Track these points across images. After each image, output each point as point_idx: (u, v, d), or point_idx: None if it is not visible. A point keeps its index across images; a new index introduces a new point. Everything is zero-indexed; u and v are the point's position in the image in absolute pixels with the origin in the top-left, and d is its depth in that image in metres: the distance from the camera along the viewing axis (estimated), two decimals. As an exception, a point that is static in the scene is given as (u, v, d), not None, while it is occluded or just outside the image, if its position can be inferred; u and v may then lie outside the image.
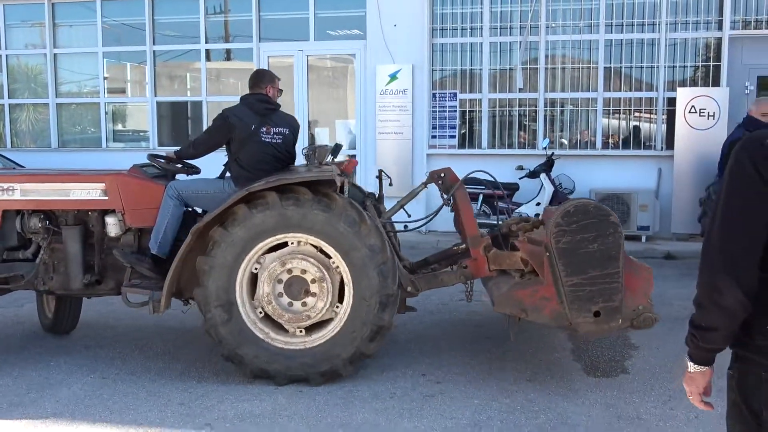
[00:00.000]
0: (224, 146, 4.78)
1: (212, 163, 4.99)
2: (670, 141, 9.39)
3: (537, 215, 7.78)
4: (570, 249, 3.91)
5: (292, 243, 4.36)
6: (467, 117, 10.19)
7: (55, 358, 4.97)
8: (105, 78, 11.39)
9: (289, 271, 4.35)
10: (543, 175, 8.99)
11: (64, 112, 11.69)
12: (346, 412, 3.97)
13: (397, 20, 9.92)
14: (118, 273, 4.74)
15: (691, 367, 1.91)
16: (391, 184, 5.35)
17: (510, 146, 10.01)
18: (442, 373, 4.57)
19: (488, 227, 4.98)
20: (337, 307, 4.39)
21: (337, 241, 4.28)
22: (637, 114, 9.83)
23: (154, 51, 11.01)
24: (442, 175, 4.96)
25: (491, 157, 9.61)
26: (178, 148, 5.06)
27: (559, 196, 8.87)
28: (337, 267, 4.35)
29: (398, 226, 5.22)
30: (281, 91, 5.03)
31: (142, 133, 11.47)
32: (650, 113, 9.73)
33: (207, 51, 10.93)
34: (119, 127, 11.87)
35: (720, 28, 9.31)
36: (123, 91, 11.92)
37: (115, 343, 5.33)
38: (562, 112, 9.98)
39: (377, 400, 4.14)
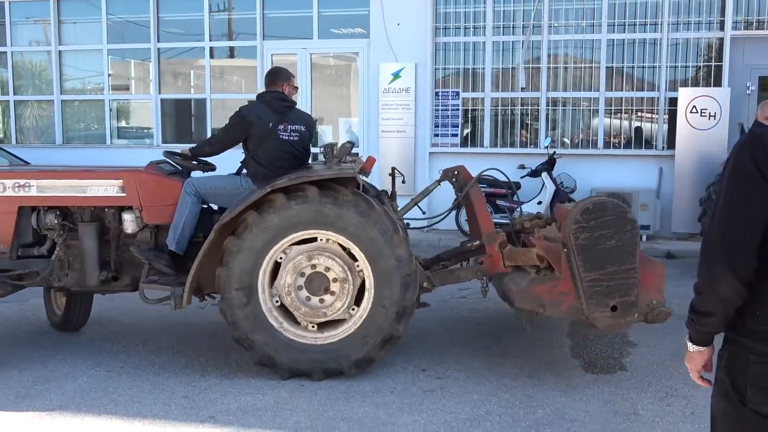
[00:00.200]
0: (241, 144, 4.80)
1: (223, 161, 5.02)
2: (671, 141, 9.42)
3: (538, 213, 7.83)
4: (589, 245, 4.01)
5: (321, 239, 4.40)
6: (470, 116, 10.24)
7: (61, 351, 5.03)
8: (109, 75, 11.45)
9: (313, 266, 4.38)
10: (544, 174, 9.04)
11: (68, 109, 11.76)
12: (347, 406, 4.03)
13: (401, 19, 9.97)
14: (134, 269, 4.76)
15: (691, 347, 2.04)
16: (404, 182, 5.39)
17: (512, 145, 10.06)
18: (442, 369, 4.63)
19: (497, 225, 5.04)
20: (353, 309, 4.43)
21: (367, 247, 4.33)
22: (638, 114, 9.87)
23: (158, 48, 11.07)
24: (456, 173, 5.04)
25: (493, 155, 9.66)
26: (192, 145, 5.09)
27: (560, 195, 8.92)
28: (361, 271, 4.40)
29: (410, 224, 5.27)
30: (297, 88, 5.07)
31: (146, 130, 11.53)
32: (652, 113, 9.76)
33: (211, 48, 10.99)
34: (123, 124, 11.94)
35: (722, 28, 9.34)
36: (127, 88, 11.99)
37: (119, 337, 5.39)
38: (564, 111, 10.03)
39: (378, 395, 4.20)
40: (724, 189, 1.88)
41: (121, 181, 4.68)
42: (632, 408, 4.00)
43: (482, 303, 6.25)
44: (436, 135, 10.16)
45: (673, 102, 9.41)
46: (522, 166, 9.54)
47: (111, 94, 11.48)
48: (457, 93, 10.10)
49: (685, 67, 9.59)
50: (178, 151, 4.99)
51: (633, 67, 9.72)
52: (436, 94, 10.14)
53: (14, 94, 11.75)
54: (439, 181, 5.18)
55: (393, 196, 5.29)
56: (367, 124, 10.39)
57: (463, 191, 4.98)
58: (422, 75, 10.02)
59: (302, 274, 4.39)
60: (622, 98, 9.74)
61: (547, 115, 9.93)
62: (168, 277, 4.59)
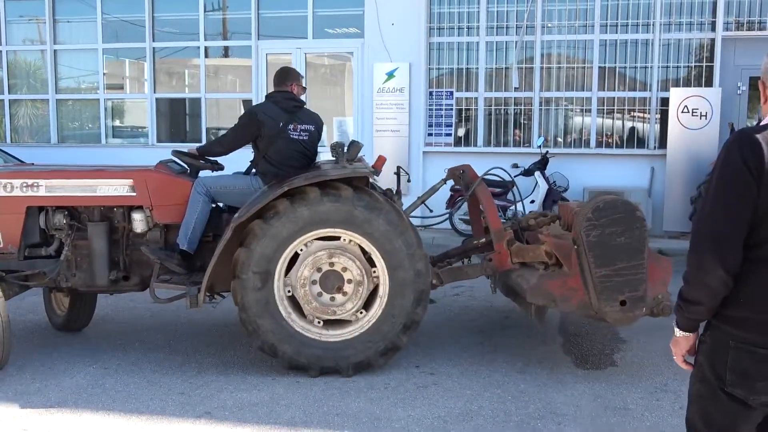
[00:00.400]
0: (251, 144, 4.82)
1: (230, 160, 5.03)
2: (663, 140, 9.51)
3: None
4: (599, 242, 4.10)
5: (344, 239, 4.43)
6: (463, 115, 10.31)
7: (58, 349, 5.07)
8: (104, 74, 11.46)
9: (331, 264, 4.42)
10: (537, 173, 9.11)
11: (63, 108, 11.78)
12: (342, 402, 4.09)
13: (395, 19, 10.02)
14: (143, 269, 4.77)
15: (677, 332, 2.14)
16: (409, 181, 5.44)
17: (505, 144, 10.13)
18: (435, 365, 4.69)
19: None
20: (360, 312, 4.48)
21: (389, 255, 4.38)
22: (630, 113, 9.95)
23: (153, 47, 11.10)
24: (462, 171, 5.10)
25: (487, 155, 9.72)
26: (198, 144, 5.10)
27: (553, 194, 8.99)
28: (377, 277, 4.45)
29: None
30: (305, 89, 5.11)
31: (141, 129, 11.56)
32: (644, 113, 9.85)
33: (206, 48, 11.02)
34: (118, 123, 11.96)
35: (713, 29, 9.44)
36: (122, 88, 12.01)
37: (116, 334, 5.43)
38: (557, 110, 10.10)
39: (372, 390, 4.25)
40: (713, 184, 1.97)
41: (132, 180, 4.68)
42: (623, 403, 4.07)
43: (474, 301, 6.32)
44: (430, 134, 10.22)
45: (664, 102, 9.50)
46: (515, 165, 9.60)
47: (106, 93, 11.49)
48: (451, 93, 10.16)
49: (677, 67, 9.68)
50: (186, 150, 4.99)
51: (625, 67, 9.80)
52: (430, 93, 10.20)
53: (9, 93, 11.75)
54: (445, 180, 5.25)
55: (398, 194, 5.36)
56: (361, 124, 10.45)
57: (469, 190, 5.05)
58: (416, 75, 10.08)
59: (319, 270, 4.43)
60: (614, 98, 9.82)
61: (540, 114, 10.01)
62: (179, 276, 4.60)
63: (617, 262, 4.11)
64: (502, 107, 10.15)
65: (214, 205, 4.81)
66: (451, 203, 9.06)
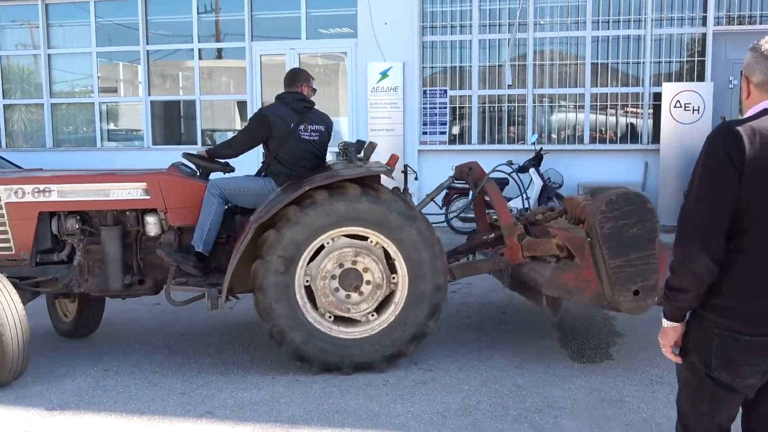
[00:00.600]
0: (261, 145, 4.84)
1: (240, 162, 5.03)
2: (656, 135, 9.58)
3: (527, 209, 7.96)
4: (613, 234, 4.18)
5: (371, 240, 4.46)
6: (457, 113, 10.35)
7: (59, 351, 5.10)
8: (98, 77, 11.47)
9: (354, 262, 4.45)
10: (532, 170, 9.15)
11: (57, 112, 11.77)
12: (341, 399, 4.13)
13: (388, 18, 10.06)
14: (157, 272, 4.77)
15: (665, 323, 2.20)
16: (416, 179, 5.47)
17: (500, 141, 10.18)
18: (433, 362, 4.73)
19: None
20: (372, 315, 4.52)
21: (414, 265, 4.42)
22: (623, 109, 10.01)
23: (147, 50, 11.11)
24: (470, 169, 5.16)
25: (481, 152, 9.76)
26: (207, 147, 5.11)
27: (547, 191, 9.04)
28: (395, 283, 4.49)
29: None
30: (315, 90, 5.14)
31: (136, 132, 11.57)
32: (636, 108, 9.91)
33: (199, 50, 11.04)
34: (113, 126, 11.96)
35: (704, 24, 9.50)
36: (116, 91, 12.01)
37: (116, 336, 5.46)
38: (550, 107, 10.16)
39: (371, 387, 4.30)
40: (698, 175, 2.03)
41: (145, 183, 4.67)
42: (619, 395, 4.12)
43: (471, 297, 6.37)
44: (425, 133, 10.26)
45: (657, 97, 9.55)
46: (510, 162, 9.65)
47: (100, 96, 11.50)
48: (445, 91, 10.21)
49: (669, 62, 9.74)
50: (196, 152, 5.00)
51: (618, 63, 9.86)
52: (424, 92, 10.24)
53: (3, 98, 11.74)
54: (453, 178, 5.30)
55: (405, 192, 5.39)
56: (355, 123, 10.48)
57: (478, 186, 5.10)
58: (410, 73, 10.12)
59: (341, 266, 4.45)
60: (607, 94, 9.88)
61: (534, 111, 10.06)
62: (196, 279, 4.60)
63: (630, 252, 4.20)
64: (496, 105, 10.19)
65: (227, 207, 4.81)
66: (447, 201, 9.11)
